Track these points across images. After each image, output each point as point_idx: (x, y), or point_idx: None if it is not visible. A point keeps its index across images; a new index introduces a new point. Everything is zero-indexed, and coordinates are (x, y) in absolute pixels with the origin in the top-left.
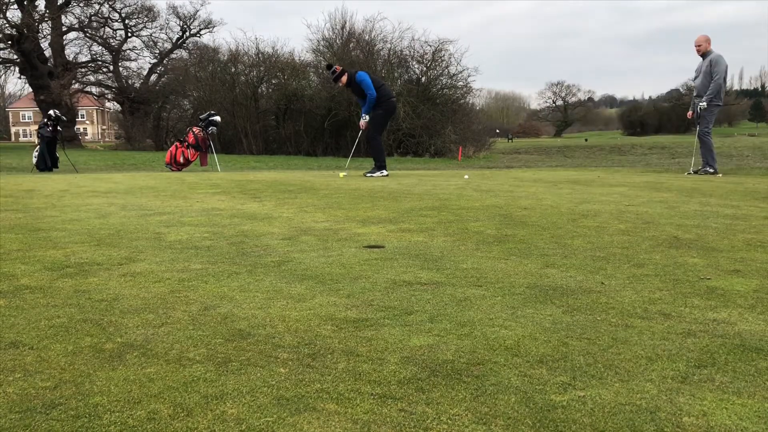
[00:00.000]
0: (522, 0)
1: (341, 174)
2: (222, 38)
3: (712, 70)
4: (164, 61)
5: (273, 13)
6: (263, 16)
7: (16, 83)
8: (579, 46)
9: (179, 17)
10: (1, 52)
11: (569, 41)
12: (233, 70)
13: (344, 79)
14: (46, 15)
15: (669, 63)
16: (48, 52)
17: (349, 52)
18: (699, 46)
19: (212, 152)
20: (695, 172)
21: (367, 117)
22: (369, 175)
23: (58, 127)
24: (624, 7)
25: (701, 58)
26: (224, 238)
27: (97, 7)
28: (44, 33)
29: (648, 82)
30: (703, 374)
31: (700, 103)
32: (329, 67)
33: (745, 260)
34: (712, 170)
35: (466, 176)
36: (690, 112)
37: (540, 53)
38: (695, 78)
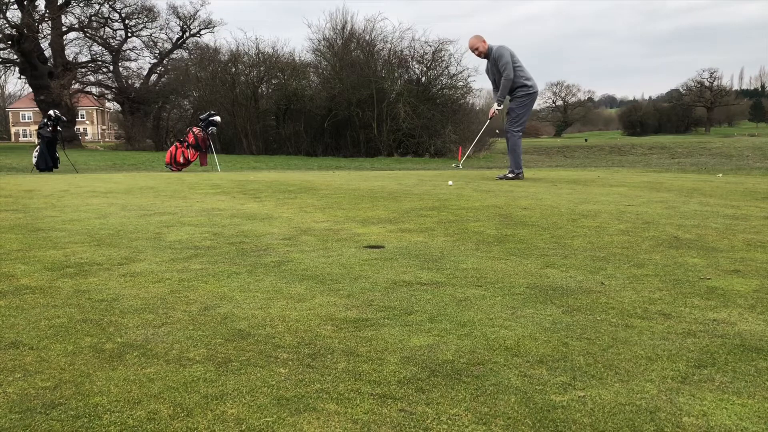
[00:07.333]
0: (521, 1)
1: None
2: (222, 38)
3: (499, 65)
4: (164, 61)
5: (273, 12)
6: (263, 16)
7: (16, 83)
8: (581, 46)
9: (179, 17)
10: (1, 52)
11: (571, 41)
12: (233, 70)
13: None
14: (46, 15)
15: (681, 63)
16: (48, 52)
17: (350, 52)
18: (476, 48)
19: (212, 152)
20: (500, 178)
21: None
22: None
23: (58, 127)
24: (629, 8)
25: (485, 60)
26: (224, 238)
27: (97, 7)
28: (44, 33)
29: (648, 82)
30: (703, 374)
31: (496, 107)
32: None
33: (745, 260)
34: (512, 175)
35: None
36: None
37: (540, 53)
38: (493, 81)
